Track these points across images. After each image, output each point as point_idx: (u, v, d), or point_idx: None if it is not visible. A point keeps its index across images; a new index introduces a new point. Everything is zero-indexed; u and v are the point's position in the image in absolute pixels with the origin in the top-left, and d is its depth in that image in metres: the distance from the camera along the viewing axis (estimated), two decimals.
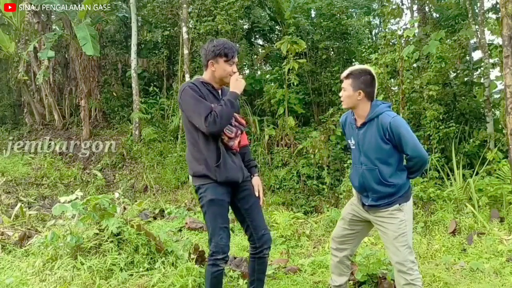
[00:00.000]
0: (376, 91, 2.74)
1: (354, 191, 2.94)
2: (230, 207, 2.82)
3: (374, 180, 2.67)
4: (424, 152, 2.63)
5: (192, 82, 2.73)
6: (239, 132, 2.76)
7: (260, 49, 13.61)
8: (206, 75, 2.78)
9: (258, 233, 2.81)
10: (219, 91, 2.82)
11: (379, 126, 2.61)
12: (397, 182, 2.65)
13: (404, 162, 2.75)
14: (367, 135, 2.67)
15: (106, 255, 3.57)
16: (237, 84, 2.69)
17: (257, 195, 2.86)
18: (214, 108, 2.61)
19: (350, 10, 11.58)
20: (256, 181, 2.89)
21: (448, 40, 8.22)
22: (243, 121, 2.87)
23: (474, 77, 8.70)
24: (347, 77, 2.70)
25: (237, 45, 2.80)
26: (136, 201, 7.79)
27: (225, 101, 2.62)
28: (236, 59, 2.73)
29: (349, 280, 3.18)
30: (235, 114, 2.77)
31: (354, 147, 2.79)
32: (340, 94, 2.76)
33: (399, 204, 2.67)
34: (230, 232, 2.85)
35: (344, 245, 2.95)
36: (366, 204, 2.76)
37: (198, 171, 2.69)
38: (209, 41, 2.76)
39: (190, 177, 8.70)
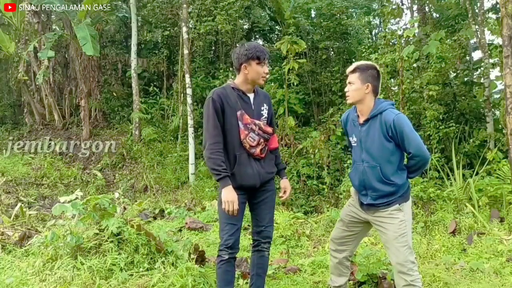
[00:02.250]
0: (380, 87, 2.74)
1: (352, 191, 2.92)
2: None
3: (375, 178, 2.65)
4: (427, 151, 2.62)
5: (218, 92, 2.76)
6: (262, 140, 2.81)
7: None
8: (238, 79, 2.84)
9: (258, 227, 2.92)
10: (251, 96, 2.85)
11: (382, 123, 2.60)
12: (398, 181, 2.65)
13: (405, 162, 2.74)
14: (370, 132, 2.66)
15: (106, 255, 3.56)
16: (224, 196, 2.64)
17: (281, 195, 3.02)
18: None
19: (350, 10, 11.57)
20: (283, 183, 3.03)
21: (448, 40, 8.22)
22: (269, 129, 2.88)
23: (474, 77, 8.70)
24: (353, 71, 2.69)
25: (267, 48, 2.86)
26: (136, 201, 7.79)
27: (218, 172, 2.64)
28: (267, 61, 2.79)
29: (349, 280, 3.18)
30: (260, 122, 2.82)
31: (355, 144, 2.77)
32: (346, 89, 2.73)
33: (399, 204, 2.66)
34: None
35: (343, 246, 2.94)
36: (365, 203, 2.74)
37: None
38: (240, 45, 2.85)
39: (191, 177, 8.77)
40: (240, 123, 2.74)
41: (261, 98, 2.92)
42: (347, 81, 2.72)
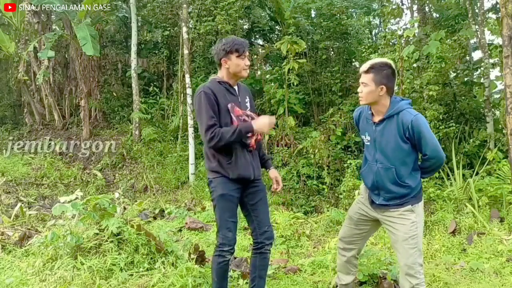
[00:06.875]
0: (395, 86, 2.63)
1: (361, 188, 2.86)
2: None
3: (389, 179, 2.57)
4: (443, 152, 2.56)
5: (208, 86, 2.75)
6: None
7: (260, 49, 13.61)
8: (220, 74, 2.84)
9: (261, 228, 2.90)
10: (236, 88, 2.87)
11: (399, 123, 2.50)
12: (412, 182, 2.58)
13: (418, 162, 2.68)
14: (385, 132, 2.56)
15: (106, 255, 3.56)
16: (260, 125, 2.71)
17: (275, 186, 2.99)
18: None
19: (350, 10, 11.57)
20: (273, 173, 3.02)
21: (448, 40, 8.21)
22: None
23: (474, 77, 8.70)
24: (367, 71, 2.54)
25: (245, 40, 2.83)
26: (136, 201, 7.78)
27: (236, 130, 2.64)
28: (247, 53, 2.78)
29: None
30: (251, 113, 2.86)
31: (368, 143, 2.67)
32: (359, 90, 2.59)
33: (412, 205, 2.58)
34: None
35: (352, 245, 2.90)
36: (376, 202, 2.68)
37: (212, 167, 2.80)
38: (218, 41, 2.84)
39: (191, 177, 8.77)
40: (232, 115, 2.74)
41: (242, 91, 2.93)
42: (360, 81, 2.58)
